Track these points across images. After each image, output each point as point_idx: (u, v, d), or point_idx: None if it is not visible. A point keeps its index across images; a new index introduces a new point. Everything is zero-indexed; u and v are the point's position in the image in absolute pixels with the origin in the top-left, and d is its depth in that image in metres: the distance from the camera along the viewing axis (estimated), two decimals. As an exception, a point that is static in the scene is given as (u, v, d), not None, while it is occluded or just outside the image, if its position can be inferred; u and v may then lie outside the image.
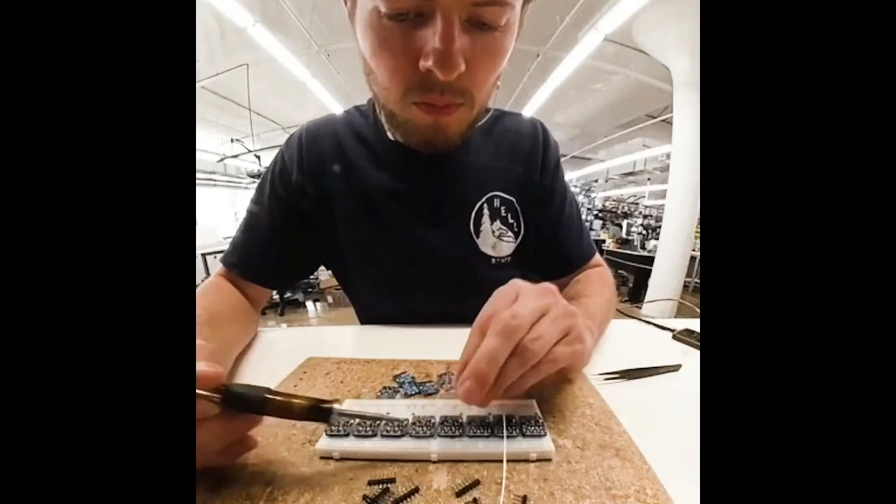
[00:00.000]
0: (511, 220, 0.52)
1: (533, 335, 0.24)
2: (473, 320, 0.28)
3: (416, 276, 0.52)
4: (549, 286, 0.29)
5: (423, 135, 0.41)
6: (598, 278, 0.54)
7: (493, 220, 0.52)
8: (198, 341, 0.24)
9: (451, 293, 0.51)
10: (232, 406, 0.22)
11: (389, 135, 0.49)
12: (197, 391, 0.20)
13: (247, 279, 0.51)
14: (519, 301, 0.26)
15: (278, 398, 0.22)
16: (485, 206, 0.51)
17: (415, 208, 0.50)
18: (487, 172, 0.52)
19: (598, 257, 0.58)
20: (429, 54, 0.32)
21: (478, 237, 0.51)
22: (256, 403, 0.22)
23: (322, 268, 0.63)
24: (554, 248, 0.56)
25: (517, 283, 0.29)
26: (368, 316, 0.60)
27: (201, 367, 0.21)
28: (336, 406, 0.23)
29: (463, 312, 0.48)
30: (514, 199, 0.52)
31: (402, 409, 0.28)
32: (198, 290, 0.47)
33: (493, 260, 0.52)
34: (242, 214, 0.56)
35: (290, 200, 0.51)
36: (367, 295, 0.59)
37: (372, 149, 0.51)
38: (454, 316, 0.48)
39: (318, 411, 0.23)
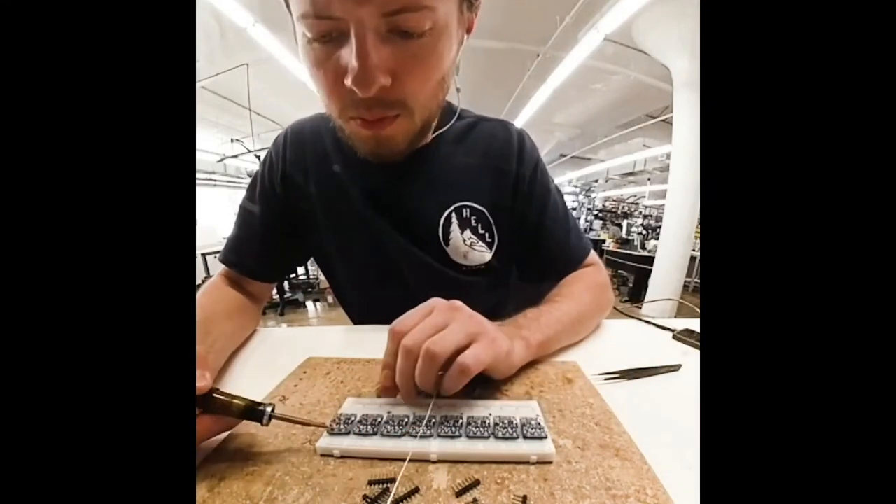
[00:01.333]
0: (482, 231, 0.51)
1: (432, 341, 0.28)
2: None
3: (396, 279, 0.52)
4: (456, 304, 0.32)
5: (368, 147, 0.42)
6: (581, 281, 0.51)
7: (462, 229, 0.50)
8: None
9: (431, 296, 0.50)
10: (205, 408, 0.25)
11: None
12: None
13: (243, 275, 0.53)
14: (423, 319, 0.30)
15: (221, 398, 0.25)
16: (452, 215, 0.50)
17: (389, 213, 0.50)
18: (457, 182, 0.50)
19: (591, 257, 0.55)
20: (349, 73, 0.32)
21: (447, 245, 0.50)
22: (202, 401, 0.25)
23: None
24: (538, 257, 0.54)
25: (433, 301, 0.32)
26: (355, 315, 0.62)
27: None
28: (268, 409, 0.25)
29: None
30: (485, 210, 0.51)
31: (402, 408, 0.28)
32: (199, 290, 0.49)
33: (464, 268, 0.51)
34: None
35: (278, 198, 0.53)
36: (351, 294, 0.61)
37: (348, 154, 0.49)
38: None
39: (252, 412, 0.25)
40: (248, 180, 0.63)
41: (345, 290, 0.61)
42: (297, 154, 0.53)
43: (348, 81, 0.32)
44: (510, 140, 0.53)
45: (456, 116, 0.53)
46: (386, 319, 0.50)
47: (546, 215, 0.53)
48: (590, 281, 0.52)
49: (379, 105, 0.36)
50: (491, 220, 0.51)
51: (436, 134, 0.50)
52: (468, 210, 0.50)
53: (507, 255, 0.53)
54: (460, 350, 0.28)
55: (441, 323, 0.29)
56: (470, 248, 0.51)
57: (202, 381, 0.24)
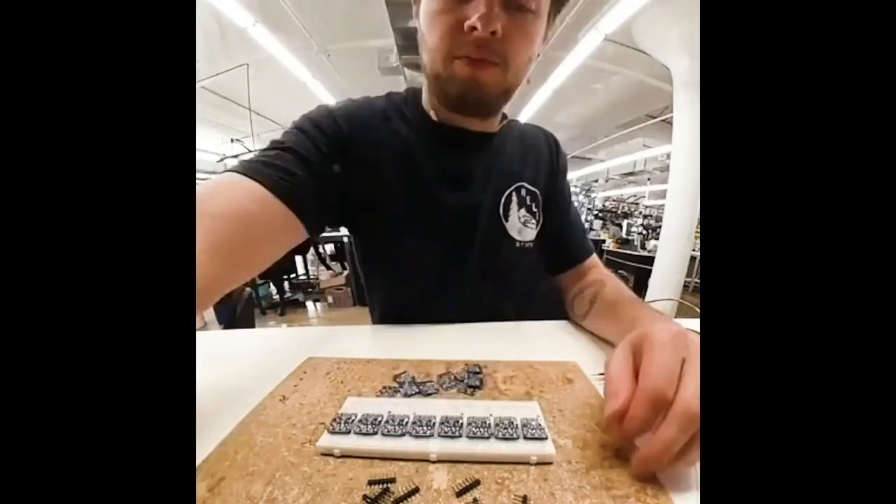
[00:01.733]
0: (535, 210, 0.58)
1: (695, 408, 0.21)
2: (493, 303, 0.45)
3: (451, 251, 0.54)
4: (692, 335, 0.25)
5: (461, 88, 0.46)
6: (613, 277, 0.59)
7: (519, 207, 0.57)
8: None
9: (482, 272, 0.56)
10: None
11: (432, 114, 0.54)
12: None
13: (279, 196, 0.40)
14: (687, 376, 0.22)
15: None
16: (513, 193, 0.56)
17: (453, 183, 0.53)
18: (518, 162, 0.58)
19: (595, 256, 0.63)
20: (473, 17, 0.40)
21: (506, 221, 0.56)
22: None
23: (323, 268, 0.63)
24: (560, 243, 0.62)
25: (684, 339, 0.25)
26: (388, 299, 0.59)
27: None
28: None
29: (485, 294, 0.57)
30: (538, 192, 0.59)
31: (403, 408, 0.28)
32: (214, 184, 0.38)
33: (518, 244, 0.57)
34: None
35: (328, 168, 0.46)
36: (393, 278, 0.57)
37: (414, 126, 0.53)
38: (477, 297, 0.56)
39: None
40: None
41: (386, 271, 0.57)
42: (358, 125, 0.49)
43: (472, 20, 0.39)
44: (548, 140, 0.63)
45: (505, 120, 0.61)
46: (429, 298, 0.54)
47: (570, 211, 0.64)
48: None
49: (487, 47, 0.42)
50: (540, 201, 0.59)
51: (500, 126, 0.58)
52: (525, 190, 0.57)
53: (543, 238, 0.60)
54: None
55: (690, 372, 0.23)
56: (523, 224, 0.57)
57: None
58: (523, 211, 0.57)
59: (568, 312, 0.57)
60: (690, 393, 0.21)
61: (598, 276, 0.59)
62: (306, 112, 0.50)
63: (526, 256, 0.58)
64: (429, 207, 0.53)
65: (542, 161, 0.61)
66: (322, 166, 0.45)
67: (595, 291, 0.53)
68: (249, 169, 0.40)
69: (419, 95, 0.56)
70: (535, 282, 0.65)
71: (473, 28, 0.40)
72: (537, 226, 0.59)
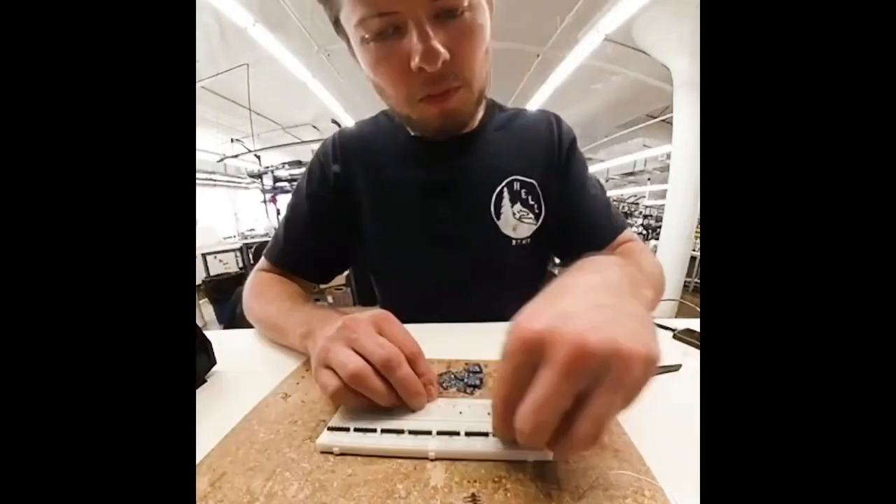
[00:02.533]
0: (532, 202, 0.55)
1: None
2: (491, 304, 0.40)
3: (442, 258, 0.55)
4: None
5: (436, 124, 0.47)
6: (641, 249, 0.53)
7: (513, 202, 0.54)
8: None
9: (475, 274, 0.55)
10: None
11: (411, 131, 0.54)
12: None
13: (291, 272, 0.56)
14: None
15: None
16: (504, 189, 0.54)
17: (440, 194, 0.54)
18: (506, 159, 0.55)
19: (630, 231, 0.56)
20: (415, 55, 0.38)
21: (498, 219, 0.54)
22: None
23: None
24: (580, 222, 0.55)
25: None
26: (394, 304, 0.62)
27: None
28: None
29: (483, 295, 0.55)
30: (534, 182, 0.55)
31: (402, 407, 0.28)
32: (252, 284, 0.54)
33: (514, 241, 0.55)
34: (242, 214, 0.59)
35: (325, 197, 0.56)
36: (391, 282, 0.62)
37: (398, 145, 0.55)
38: (474, 299, 0.55)
39: None
40: (248, 180, 0.66)
41: (385, 277, 0.62)
42: (348, 150, 0.56)
43: (416, 61, 0.38)
44: (549, 120, 0.58)
45: (494, 107, 0.59)
46: (430, 305, 0.55)
47: (586, 186, 0.57)
48: (646, 250, 0.54)
49: (442, 79, 0.41)
50: (540, 192, 0.55)
51: (480, 122, 0.56)
52: (518, 183, 0.54)
53: (550, 228, 0.56)
54: None
55: None
56: (519, 220, 0.54)
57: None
58: (518, 206, 0.54)
59: None
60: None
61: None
62: (317, 150, 0.60)
63: (523, 253, 0.55)
64: (419, 218, 0.54)
65: (540, 146, 0.56)
66: (322, 210, 0.56)
67: None
68: (278, 262, 0.57)
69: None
70: (534, 280, 0.60)
71: (422, 68, 0.38)
72: (537, 219, 0.55)
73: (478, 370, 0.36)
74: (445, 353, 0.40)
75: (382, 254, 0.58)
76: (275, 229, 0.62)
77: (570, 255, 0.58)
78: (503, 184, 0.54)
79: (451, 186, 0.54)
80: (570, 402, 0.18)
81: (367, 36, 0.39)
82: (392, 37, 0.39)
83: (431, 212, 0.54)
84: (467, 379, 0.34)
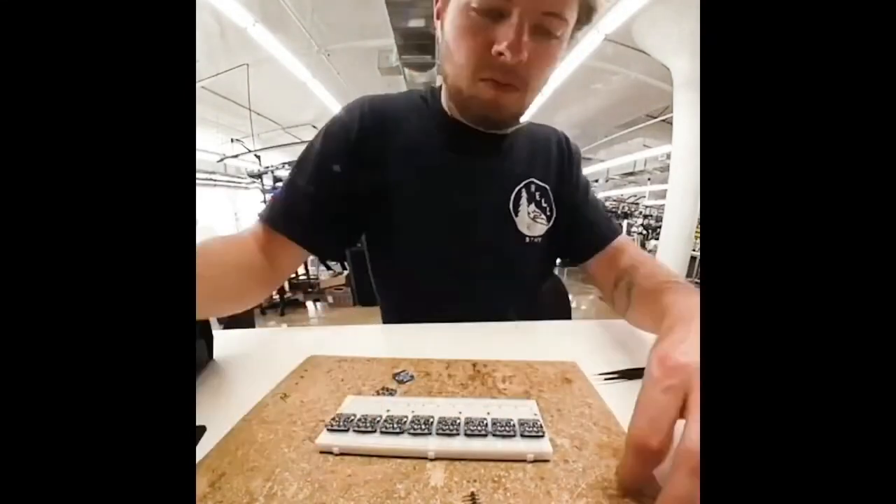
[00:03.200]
0: (544, 205, 0.60)
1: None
2: (497, 299, 0.47)
3: (457, 247, 0.56)
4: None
5: (484, 109, 0.49)
6: (647, 259, 0.55)
7: (529, 202, 0.58)
8: None
9: (486, 267, 0.57)
10: None
11: (450, 113, 0.56)
12: None
13: (287, 235, 0.50)
14: (690, 414, 0.19)
15: None
16: (523, 189, 0.58)
17: (466, 181, 0.56)
18: (527, 162, 0.60)
19: (623, 238, 0.61)
20: (503, 42, 0.41)
21: (516, 216, 0.58)
22: None
23: (322, 268, 0.64)
24: (583, 226, 0.62)
25: (682, 371, 0.20)
26: (401, 296, 0.62)
27: None
28: None
29: (490, 289, 0.58)
30: (548, 187, 0.60)
31: (401, 406, 0.28)
32: (215, 237, 0.47)
33: (527, 239, 0.58)
34: (242, 214, 0.57)
35: (342, 160, 0.52)
36: (405, 271, 0.59)
37: (431, 125, 0.56)
38: (480, 293, 0.58)
39: None
40: (248, 180, 0.64)
41: (399, 265, 0.59)
42: (377, 124, 0.54)
43: (501, 46, 0.41)
44: (560, 140, 0.65)
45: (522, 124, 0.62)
46: (432, 295, 0.57)
47: (588, 197, 0.64)
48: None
49: (512, 73, 0.44)
50: (552, 196, 0.60)
51: (512, 128, 0.58)
52: (535, 186, 0.59)
53: (559, 231, 0.61)
54: None
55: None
56: (532, 220, 0.59)
57: None
58: (533, 206, 0.59)
59: (613, 309, 0.53)
60: (692, 434, 0.17)
61: (630, 262, 0.53)
62: (339, 113, 0.57)
63: (534, 250, 0.59)
64: (438, 205, 0.55)
65: (552, 160, 0.62)
66: (329, 184, 0.53)
67: (629, 281, 0.48)
68: (271, 220, 0.51)
69: (438, 93, 0.58)
70: (539, 277, 0.65)
71: (501, 53, 0.41)
72: (548, 221, 0.60)
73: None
74: (445, 353, 0.40)
75: (395, 236, 0.56)
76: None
77: (574, 254, 0.63)
78: (522, 184, 0.58)
79: (478, 179, 0.56)
80: None
81: (474, 5, 0.41)
82: (492, 17, 0.42)
83: (454, 200, 0.55)
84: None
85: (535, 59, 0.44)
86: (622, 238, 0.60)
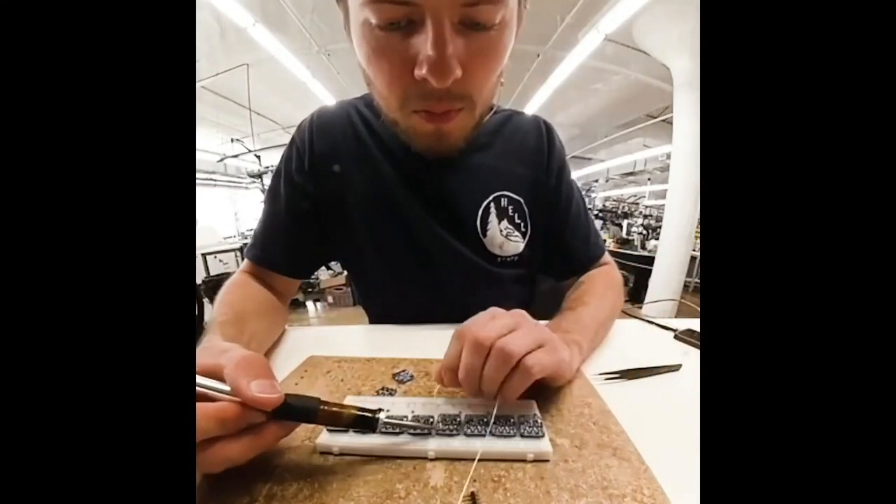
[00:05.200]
0: (518, 220, 0.52)
1: (503, 341, 0.26)
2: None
3: (428, 271, 0.52)
4: (520, 311, 0.31)
5: (426, 142, 0.42)
6: (603, 280, 0.53)
7: (500, 219, 0.51)
8: (242, 350, 0.24)
9: (461, 289, 0.52)
10: (282, 416, 0.23)
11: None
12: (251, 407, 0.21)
13: (271, 270, 0.51)
14: (492, 321, 0.29)
15: (330, 409, 0.24)
16: (491, 205, 0.51)
17: (427, 204, 0.50)
18: (495, 172, 0.52)
19: (606, 256, 0.58)
20: (423, 62, 0.31)
21: (485, 236, 0.51)
22: (310, 413, 0.23)
23: (322, 268, 0.63)
24: (561, 250, 0.56)
25: (492, 309, 0.31)
26: (379, 311, 0.60)
27: (263, 387, 0.21)
28: (382, 416, 0.24)
29: (471, 310, 0.49)
30: (521, 200, 0.52)
31: (401, 406, 0.28)
32: (223, 288, 0.47)
33: (499, 259, 0.52)
34: (242, 214, 0.57)
35: (305, 189, 0.51)
36: (378, 288, 0.58)
37: (384, 143, 0.50)
38: (462, 312, 0.50)
39: (364, 420, 0.24)
40: (249, 180, 0.64)
41: (372, 283, 0.58)
42: (328, 142, 0.51)
43: (422, 71, 0.31)
44: (541, 136, 0.55)
45: (499, 112, 0.54)
46: (415, 313, 0.52)
47: (570, 212, 0.55)
48: (609, 280, 0.54)
49: (448, 97, 0.35)
50: (527, 210, 0.52)
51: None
52: (506, 200, 0.51)
53: (538, 247, 0.54)
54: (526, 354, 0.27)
55: (511, 325, 0.28)
56: (506, 238, 0.52)
57: (275, 393, 0.22)
58: (505, 223, 0.51)
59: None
60: (484, 328, 0.27)
61: (584, 278, 0.53)
62: (294, 133, 0.54)
63: (510, 271, 0.54)
64: (395, 230, 0.50)
65: (530, 163, 0.53)
66: (300, 211, 0.51)
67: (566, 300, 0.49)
68: (253, 257, 0.52)
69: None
70: (519, 301, 0.57)
71: (427, 79, 0.32)
72: (524, 237, 0.53)
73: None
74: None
75: (366, 256, 0.54)
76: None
77: (551, 272, 0.59)
78: (489, 199, 0.51)
79: (437, 195, 0.50)
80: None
81: (373, 21, 0.31)
82: (403, 29, 0.31)
83: (417, 216, 0.50)
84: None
85: (475, 65, 0.33)
86: (602, 260, 0.57)
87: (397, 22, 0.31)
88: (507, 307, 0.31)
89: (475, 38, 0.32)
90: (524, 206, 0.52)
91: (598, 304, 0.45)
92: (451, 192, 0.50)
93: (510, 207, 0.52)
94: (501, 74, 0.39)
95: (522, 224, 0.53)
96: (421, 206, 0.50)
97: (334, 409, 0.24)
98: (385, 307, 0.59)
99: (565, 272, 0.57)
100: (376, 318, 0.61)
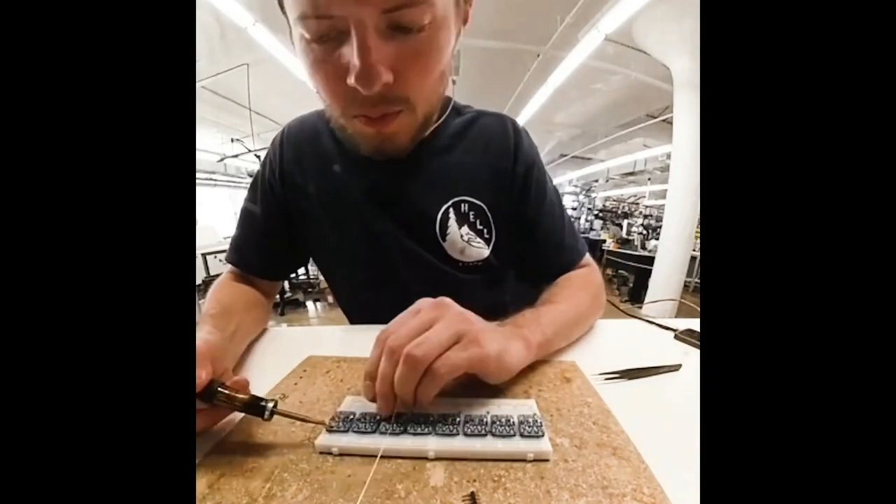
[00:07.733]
0: (481, 227, 0.51)
1: (414, 343, 0.26)
2: None
3: (393, 277, 0.52)
4: (445, 302, 0.31)
5: (371, 145, 0.43)
6: (578, 282, 0.51)
7: (460, 225, 0.50)
8: (206, 336, 0.28)
9: (427, 295, 0.50)
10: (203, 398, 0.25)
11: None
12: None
13: (248, 274, 0.54)
14: (413, 318, 0.29)
15: (226, 392, 0.26)
16: (450, 210, 0.50)
17: (388, 210, 0.50)
18: (456, 175, 0.50)
19: (586, 258, 0.55)
20: (351, 72, 0.32)
21: (444, 241, 0.50)
22: (211, 395, 0.25)
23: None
24: (534, 255, 0.54)
25: (419, 301, 0.31)
26: (353, 315, 0.62)
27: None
28: (270, 405, 0.25)
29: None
30: (484, 206, 0.50)
31: (401, 406, 0.28)
32: (213, 285, 0.51)
33: (461, 264, 0.51)
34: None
35: (277, 197, 0.53)
36: (348, 293, 0.60)
37: (346, 151, 0.50)
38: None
39: (255, 407, 0.25)
40: (249, 180, 0.64)
41: (342, 288, 0.61)
42: (295, 152, 0.53)
43: (351, 80, 0.33)
44: (507, 137, 0.52)
45: (451, 109, 0.52)
46: (381, 319, 0.49)
47: (542, 214, 0.53)
48: (585, 282, 0.52)
49: (382, 102, 0.36)
50: (489, 216, 0.51)
51: (434, 127, 0.50)
52: (466, 205, 0.50)
53: (506, 252, 0.53)
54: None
55: (427, 322, 0.28)
56: (467, 243, 0.50)
57: (202, 375, 0.24)
58: (465, 229, 0.50)
59: None
60: (395, 332, 0.27)
61: (561, 279, 0.51)
62: (270, 144, 0.57)
63: (474, 277, 0.52)
64: (359, 232, 0.51)
65: (493, 167, 0.51)
66: (273, 218, 0.54)
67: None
68: (231, 260, 0.55)
69: None
70: (489, 307, 0.51)
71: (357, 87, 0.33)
72: (488, 244, 0.51)
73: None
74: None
75: (334, 263, 0.57)
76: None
77: (528, 281, 0.56)
78: (449, 204, 0.50)
79: (396, 201, 0.50)
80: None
81: (307, 36, 0.33)
82: (334, 40, 0.33)
83: (377, 223, 0.50)
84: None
85: (407, 68, 0.34)
86: (582, 265, 0.54)
87: (327, 34, 0.33)
88: (477, 312, 0.32)
89: (405, 41, 0.33)
90: (487, 211, 0.51)
91: (565, 304, 0.44)
92: (411, 197, 0.50)
93: (471, 213, 0.50)
94: (445, 73, 0.40)
95: (486, 230, 0.51)
96: (382, 213, 0.50)
97: (230, 392, 0.26)
98: (359, 311, 0.60)
99: (538, 275, 0.54)
100: (353, 321, 0.62)
